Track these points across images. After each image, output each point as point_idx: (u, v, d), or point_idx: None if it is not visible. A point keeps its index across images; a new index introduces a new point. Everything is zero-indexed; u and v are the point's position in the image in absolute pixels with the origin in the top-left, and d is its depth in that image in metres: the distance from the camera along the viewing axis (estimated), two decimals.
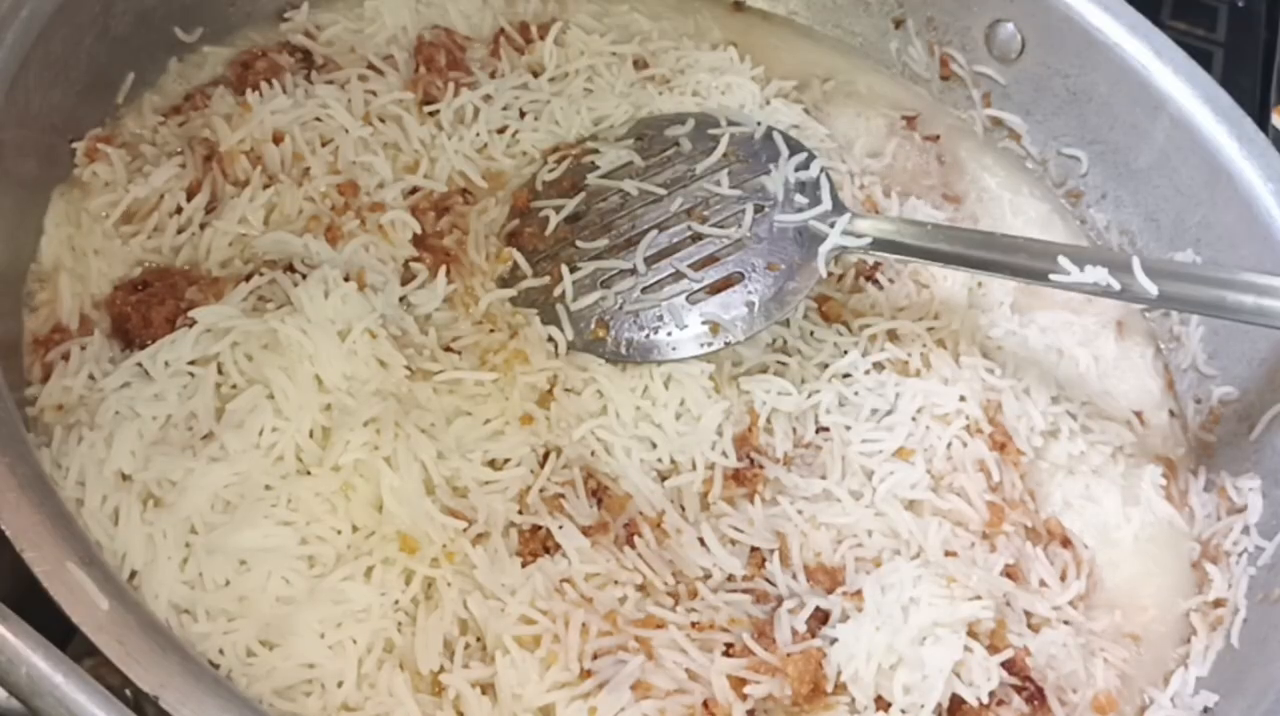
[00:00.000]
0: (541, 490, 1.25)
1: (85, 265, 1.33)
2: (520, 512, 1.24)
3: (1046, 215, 1.70)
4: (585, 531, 1.23)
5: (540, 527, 1.23)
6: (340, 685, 1.10)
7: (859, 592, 1.24)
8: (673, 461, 1.32)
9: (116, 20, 1.41)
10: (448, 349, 1.34)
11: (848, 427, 1.38)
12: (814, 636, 1.21)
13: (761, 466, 1.34)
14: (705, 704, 1.15)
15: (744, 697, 1.16)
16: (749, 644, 1.19)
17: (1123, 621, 1.37)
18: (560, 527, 1.22)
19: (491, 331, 1.36)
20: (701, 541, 1.26)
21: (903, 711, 1.18)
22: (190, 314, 1.26)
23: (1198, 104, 1.54)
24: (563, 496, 1.25)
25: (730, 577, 1.26)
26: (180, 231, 1.37)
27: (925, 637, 1.20)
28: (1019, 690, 1.23)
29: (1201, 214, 1.53)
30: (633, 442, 1.31)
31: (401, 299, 1.36)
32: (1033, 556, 1.34)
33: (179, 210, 1.38)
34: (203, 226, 1.37)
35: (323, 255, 1.35)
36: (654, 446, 1.32)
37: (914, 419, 1.39)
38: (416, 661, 1.13)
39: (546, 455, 1.28)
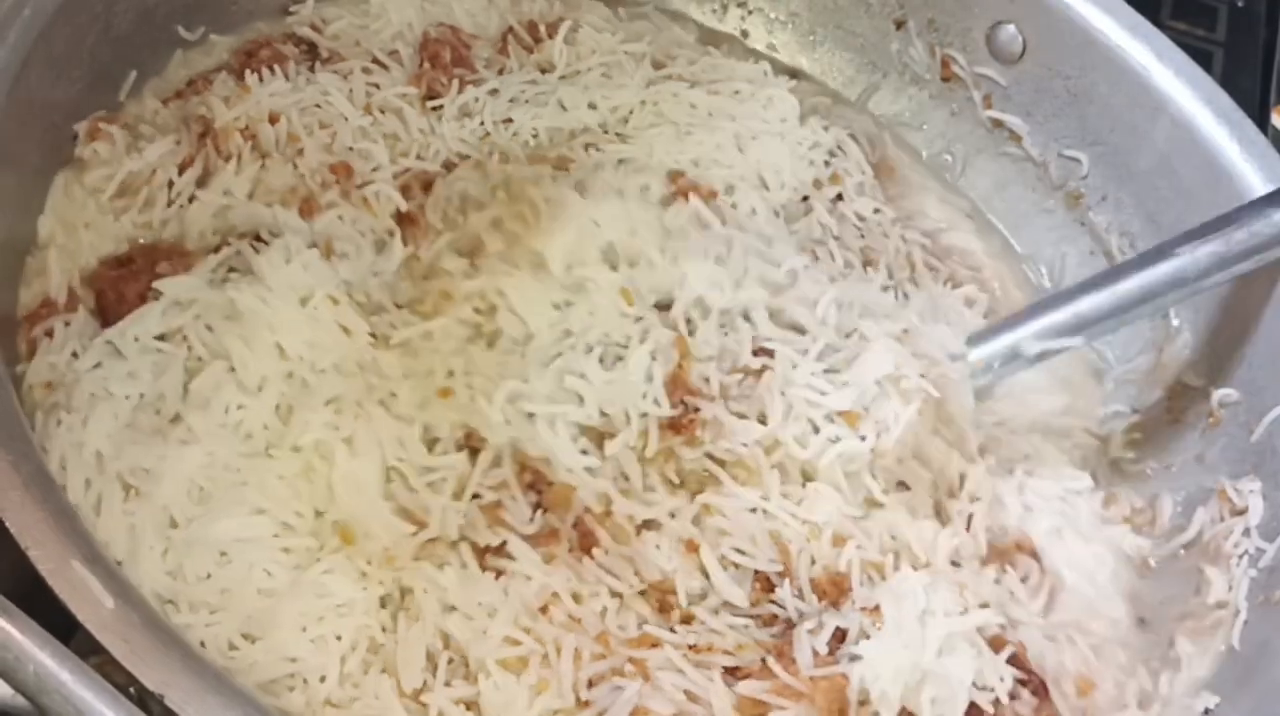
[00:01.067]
0: (476, 496, 1.21)
1: (76, 240, 1.32)
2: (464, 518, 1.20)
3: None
4: (534, 542, 1.20)
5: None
6: (323, 680, 1.10)
7: (876, 608, 1.21)
8: (603, 414, 1.27)
9: (119, 18, 1.41)
10: (398, 307, 1.33)
11: (794, 366, 1.33)
12: (833, 654, 1.19)
13: (697, 408, 1.28)
14: None
15: None
16: (773, 667, 1.16)
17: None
18: (506, 545, 1.18)
19: (425, 278, 1.35)
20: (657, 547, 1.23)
21: None
22: (155, 286, 1.26)
23: (1198, 106, 1.54)
24: (500, 504, 1.21)
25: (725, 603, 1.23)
26: (169, 205, 1.37)
27: (942, 650, 1.19)
28: (1024, 683, 1.22)
29: (1202, 216, 1.52)
30: (557, 409, 1.26)
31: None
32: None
33: (171, 185, 1.37)
34: (191, 199, 1.37)
35: (290, 225, 1.34)
36: (581, 401, 1.27)
37: (877, 384, 1.34)
38: (399, 673, 1.12)
39: (469, 438, 1.24)
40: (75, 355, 1.23)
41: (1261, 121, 1.67)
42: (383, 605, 1.15)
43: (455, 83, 1.54)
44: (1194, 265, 1.39)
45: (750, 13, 1.84)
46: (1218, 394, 1.49)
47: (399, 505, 1.19)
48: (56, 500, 1.04)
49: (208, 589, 1.11)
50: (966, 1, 1.71)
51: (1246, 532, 1.38)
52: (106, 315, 1.28)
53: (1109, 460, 1.53)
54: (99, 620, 0.96)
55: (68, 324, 1.25)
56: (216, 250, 1.31)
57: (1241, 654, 1.30)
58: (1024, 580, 1.33)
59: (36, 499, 1.02)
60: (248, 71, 1.46)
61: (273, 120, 1.42)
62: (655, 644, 1.17)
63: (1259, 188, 1.47)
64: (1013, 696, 1.21)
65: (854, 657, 1.18)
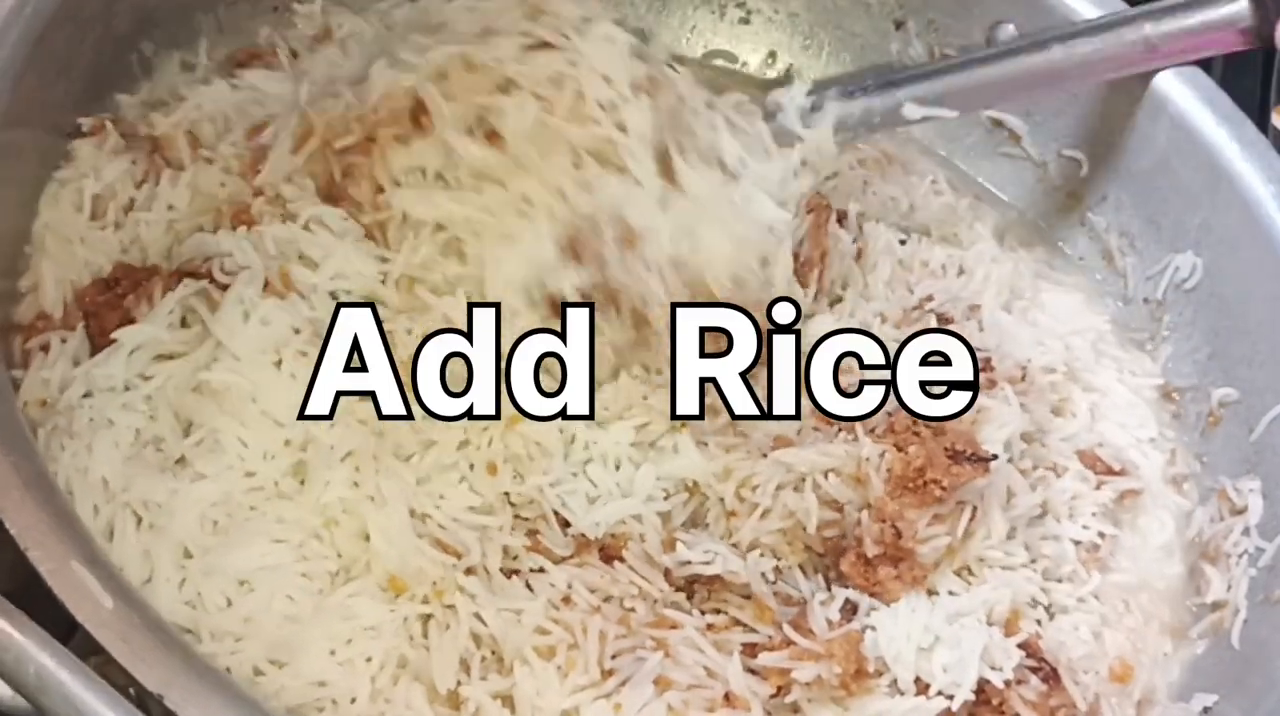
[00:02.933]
0: (512, 528, 1.23)
1: (70, 253, 1.31)
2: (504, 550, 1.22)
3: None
4: (567, 558, 1.22)
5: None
6: (354, 701, 1.09)
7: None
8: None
9: (119, 18, 1.41)
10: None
11: None
12: (846, 622, 1.22)
13: None
14: (726, 696, 1.16)
15: (784, 689, 1.18)
16: (790, 635, 1.19)
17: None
18: (541, 569, 1.21)
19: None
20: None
21: (940, 691, 1.18)
22: (114, 334, 1.22)
23: (1198, 106, 1.54)
24: (538, 532, 1.23)
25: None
26: (131, 223, 1.35)
27: (952, 620, 1.22)
28: (1035, 670, 1.24)
29: (1202, 216, 1.53)
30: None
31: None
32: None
33: (133, 204, 1.36)
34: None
35: (238, 257, 1.28)
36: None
37: None
38: (432, 678, 1.12)
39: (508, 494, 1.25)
40: (74, 373, 1.22)
41: (1261, 122, 1.67)
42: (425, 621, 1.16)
43: None
44: (1067, 60, 1.54)
45: (750, 13, 1.84)
46: (1217, 393, 1.49)
47: (434, 539, 1.19)
48: (57, 502, 1.04)
49: (229, 617, 1.11)
50: (966, 1, 1.70)
51: (1246, 532, 1.38)
52: (94, 341, 1.26)
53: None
54: (98, 620, 0.96)
55: (64, 341, 1.24)
56: (175, 277, 1.28)
57: (1241, 652, 1.31)
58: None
59: (37, 500, 1.02)
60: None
61: (212, 120, 1.42)
62: (675, 625, 1.19)
63: (1259, 187, 1.48)
64: (1020, 681, 1.22)
65: (867, 627, 1.21)
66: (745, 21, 1.85)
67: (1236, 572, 1.37)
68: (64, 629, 0.96)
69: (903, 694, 1.19)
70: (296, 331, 1.24)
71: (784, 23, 1.83)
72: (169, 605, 1.10)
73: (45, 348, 1.24)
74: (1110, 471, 1.42)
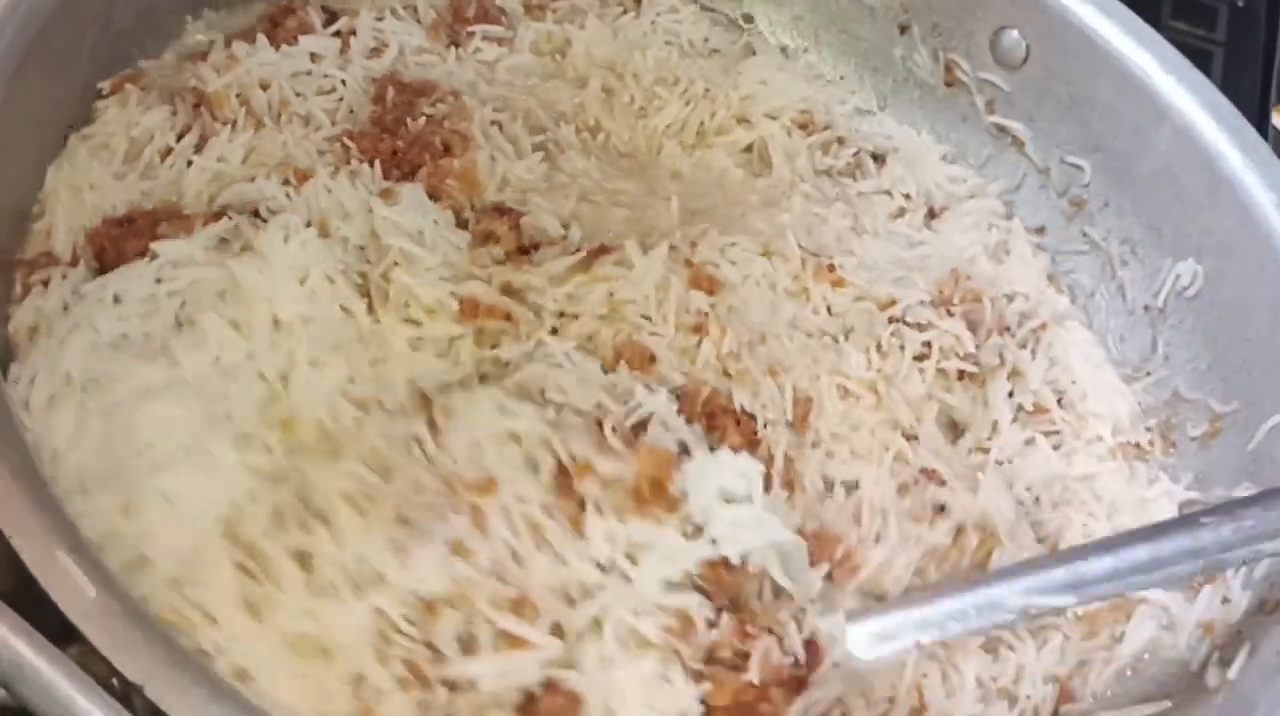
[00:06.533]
0: None
1: (80, 200, 1.33)
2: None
3: None
4: None
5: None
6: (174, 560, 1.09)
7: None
8: None
9: (119, 14, 1.42)
10: None
11: None
12: None
13: None
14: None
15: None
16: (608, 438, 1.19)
17: None
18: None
19: None
20: None
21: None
22: (152, 247, 1.26)
23: (1200, 112, 1.53)
24: None
25: None
26: (170, 167, 1.38)
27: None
28: None
29: (1203, 222, 1.52)
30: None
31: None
32: None
33: (170, 151, 1.39)
34: (190, 164, 1.38)
35: (280, 201, 1.35)
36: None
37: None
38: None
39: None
40: (67, 308, 1.24)
41: (1261, 122, 1.66)
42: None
43: (478, 33, 1.59)
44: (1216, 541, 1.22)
45: (753, 16, 1.84)
46: (1217, 402, 1.48)
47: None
48: (43, 491, 1.04)
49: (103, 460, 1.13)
50: (970, 6, 1.70)
51: None
52: (106, 271, 1.28)
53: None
54: (80, 609, 0.96)
55: (64, 277, 1.26)
56: (216, 218, 1.31)
57: None
58: None
59: (23, 489, 1.02)
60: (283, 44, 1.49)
61: (264, 87, 1.44)
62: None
63: (1259, 194, 1.46)
64: None
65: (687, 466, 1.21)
66: (749, 20, 1.85)
67: (1234, 583, 1.35)
68: (64, 628, 0.96)
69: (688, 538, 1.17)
70: (329, 259, 1.29)
71: (787, 25, 1.84)
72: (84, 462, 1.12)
73: (45, 283, 1.25)
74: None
